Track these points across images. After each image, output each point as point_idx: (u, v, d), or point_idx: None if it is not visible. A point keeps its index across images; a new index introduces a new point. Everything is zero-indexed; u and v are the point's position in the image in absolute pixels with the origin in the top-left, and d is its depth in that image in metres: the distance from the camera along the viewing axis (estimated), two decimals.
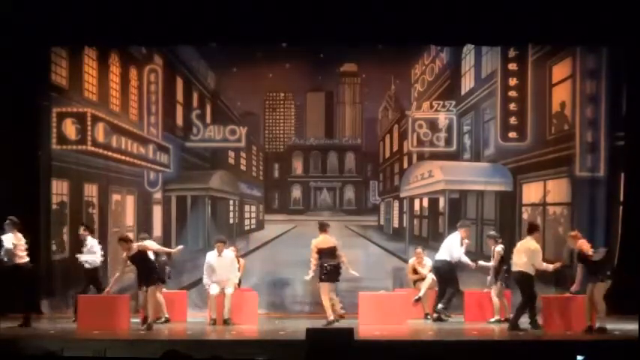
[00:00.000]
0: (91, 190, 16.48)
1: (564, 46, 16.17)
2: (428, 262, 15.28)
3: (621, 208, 15.74)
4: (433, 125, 16.95)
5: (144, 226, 16.67)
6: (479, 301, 14.77)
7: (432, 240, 17.12)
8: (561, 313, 13.35)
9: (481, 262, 14.88)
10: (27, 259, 13.60)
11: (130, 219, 16.86)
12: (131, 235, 16.55)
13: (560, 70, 16.47)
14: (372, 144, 17.71)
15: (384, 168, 18.05)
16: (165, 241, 16.83)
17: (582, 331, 12.94)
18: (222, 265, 14.27)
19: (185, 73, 17.25)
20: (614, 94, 15.95)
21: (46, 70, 15.96)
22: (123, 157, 16.61)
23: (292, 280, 16.47)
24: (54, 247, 15.98)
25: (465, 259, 14.70)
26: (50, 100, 16.03)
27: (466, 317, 14.78)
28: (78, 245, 15.87)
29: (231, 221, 17.45)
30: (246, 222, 17.59)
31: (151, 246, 13.85)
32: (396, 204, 17.74)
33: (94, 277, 14.53)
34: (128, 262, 13.50)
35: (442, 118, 16.92)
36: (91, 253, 14.55)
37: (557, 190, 16.49)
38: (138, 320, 13.94)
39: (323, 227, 14.04)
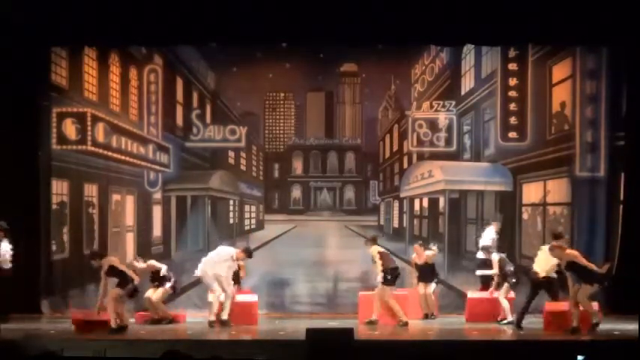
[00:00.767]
0: (91, 190, 16.48)
1: (564, 46, 16.16)
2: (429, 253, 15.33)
3: (621, 208, 15.73)
4: (433, 125, 16.94)
5: (144, 226, 16.70)
6: (480, 302, 14.75)
7: (432, 240, 17.11)
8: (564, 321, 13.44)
9: (479, 272, 15.14)
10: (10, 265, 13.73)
11: (129, 219, 16.84)
12: (131, 236, 16.69)
13: (560, 70, 16.46)
14: (372, 144, 17.71)
15: (384, 168, 18.05)
16: (165, 241, 16.87)
17: (569, 331, 12.98)
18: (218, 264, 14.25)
19: (185, 73, 17.25)
20: (614, 94, 15.94)
21: (46, 70, 15.95)
22: (123, 157, 16.60)
23: (292, 280, 16.49)
24: (54, 247, 15.97)
25: (480, 255, 15.05)
26: (50, 100, 16.02)
27: (467, 317, 14.77)
28: (78, 245, 15.95)
29: (231, 221, 17.45)
30: (246, 222, 17.59)
31: (117, 265, 13.70)
32: (396, 204, 17.74)
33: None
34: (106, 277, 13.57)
35: (442, 118, 16.92)
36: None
37: (557, 190, 16.48)
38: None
39: (374, 239, 15.05)
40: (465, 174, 17.07)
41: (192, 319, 14.75)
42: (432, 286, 15.09)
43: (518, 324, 13.73)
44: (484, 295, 14.75)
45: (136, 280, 13.59)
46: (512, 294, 14.48)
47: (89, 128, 16.11)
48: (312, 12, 14.57)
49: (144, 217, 16.81)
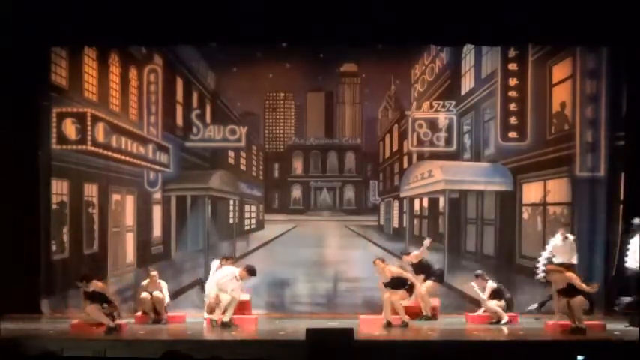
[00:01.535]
0: (91, 190, 16.47)
1: (564, 46, 16.16)
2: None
3: (621, 208, 15.73)
4: (433, 125, 16.94)
5: (144, 226, 16.70)
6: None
7: (432, 240, 17.12)
8: None
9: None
10: None
11: (129, 219, 16.84)
12: (131, 236, 16.69)
13: (560, 70, 16.45)
14: (372, 144, 17.72)
15: (384, 168, 18.06)
16: (165, 241, 16.87)
17: (569, 331, 13.03)
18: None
19: (185, 73, 17.25)
20: (614, 94, 15.93)
21: (46, 70, 15.94)
22: (123, 157, 16.60)
23: (292, 280, 16.49)
24: (54, 247, 15.96)
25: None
26: (50, 100, 16.01)
27: (467, 317, 14.79)
28: (78, 245, 15.94)
29: (231, 221, 17.45)
30: (246, 222, 17.59)
31: (103, 289, 13.79)
32: (396, 204, 17.75)
33: None
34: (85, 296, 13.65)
35: (442, 118, 16.92)
36: None
37: (557, 190, 16.47)
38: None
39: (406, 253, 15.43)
40: (465, 174, 17.06)
41: (192, 319, 14.75)
42: (428, 283, 14.97)
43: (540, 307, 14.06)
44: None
45: (117, 311, 13.67)
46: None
47: (89, 128, 16.09)
48: (312, 12, 14.57)
49: (144, 217, 16.81)
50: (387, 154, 18.06)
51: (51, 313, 15.50)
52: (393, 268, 14.52)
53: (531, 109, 16.49)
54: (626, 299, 14.27)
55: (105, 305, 13.45)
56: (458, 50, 17.20)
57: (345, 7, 14.55)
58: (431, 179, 17.08)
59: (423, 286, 14.82)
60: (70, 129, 16.11)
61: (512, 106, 16.55)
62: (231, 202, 17.46)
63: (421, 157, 17.35)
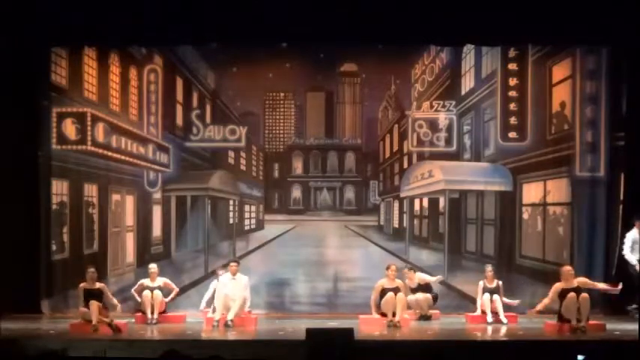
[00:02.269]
0: (91, 190, 16.47)
1: (564, 46, 16.16)
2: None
3: (621, 208, 15.73)
4: (433, 125, 16.94)
5: (144, 226, 16.70)
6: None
7: (432, 240, 17.15)
8: None
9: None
10: None
11: (129, 219, 16.85)
12: (131, 236, 16.69)
13: (560, 70, 16.45)
14: (372, 144, 17.73)
15: (384, 168, 18.06)
16: (165, 241, 16.87)
17: (569, 331, 13.07)
18: (235, 288, 14.15)
19: (185, 73, 17.26)
20: (614, 94, 15.92)
21: (46, 70, 15.94)
22: (123, 157, 16.60)
23: (292, 280, 16.49)
24: (54, 247, 15.96)
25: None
26: (50, 100, 16.00)
27: (467, 317, 14.78)
28: (78, 245, 15.93)
29: (231, 221, 17.46)
30: (246, 222, 17.60)
31: (108, 294, 13.96)
32: (396, 204, 17.76)
33: None
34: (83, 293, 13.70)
35: (442, 118, 16.91)
36: None
37: (557, 190, 16.47)
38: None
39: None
40: (465, 174, 17.06)
41: (193, 319, 14.75)
42: (428, 295, 14.93)
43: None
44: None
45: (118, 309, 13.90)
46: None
47: (89, 128, 16.08)
48: (312, 12, 14.56)
49: (144, 217, 16.82)
50: (387, 154, 18.07)
51: (51, 313, 15.50)
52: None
53: (531, 109, 16.48)
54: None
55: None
56: (458, 50, 17.20)
57: (345, 7, 14.55)
58: (431, 179, 17.08)
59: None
60: (70, 129, 16.10)
61: (512, 106, 16.55)
62: (231, 202, 17.47)
63: (421, 157, 17.35)
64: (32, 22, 14.63)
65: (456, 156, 17.03)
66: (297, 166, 17.89)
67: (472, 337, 13.34)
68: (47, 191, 15.92)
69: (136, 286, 14.64)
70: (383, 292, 14.28)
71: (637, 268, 14.55)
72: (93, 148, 16.18)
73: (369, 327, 13.80)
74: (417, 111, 17.02)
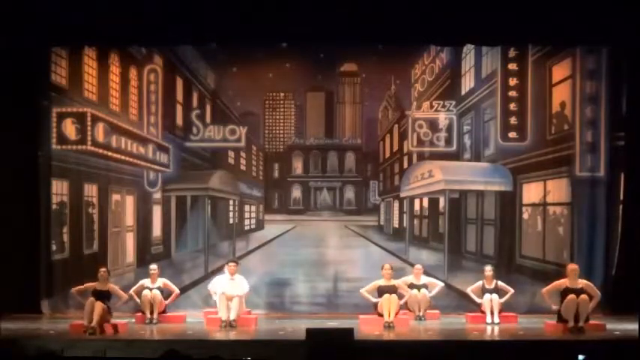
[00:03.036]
0: (91, 190, 16.48)
1: (564, 46, 16.16)
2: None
3: (621, 208, 15.73)
4: (433, 125, 16.94)
5: (143, 226, 16.70)
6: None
7: (432, 240, 17.14)
8: None
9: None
10: None
11: (129, 219, 16.85)
12: (131, 236, 16.70)
13: (560, 70, 16.45)
14: (372, 144, 17.73)
15: (384, 168, 18.06)
16: (165, 241, 16.87)
17: (568, 331, 13.05)
18: (233, 288, 14.11)
19: (185, 73, 17.26)
20: (614, 94, 15.92)
21: (46, 70, 15.94)
22: (123, 157, 16.60)
23: (292, 280, 16.49)
24: (54, 247, 15.97)
25: None
26: (50, 100, 16.01)
27: (467, 317, 14.79)
28: (78, 245, 15.94)
29: (231, 221, 17.46)
30: (246, 222, 17.60)
31: (118, 291, 14.00)
32: (396, 204, 17.76)
33: None
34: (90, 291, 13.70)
35: (442, 118, 16.92)
36: None
37: (557, 190, 16.47)
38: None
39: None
40: (465, 174, 17.06)
41: (193, 319, 14.75)
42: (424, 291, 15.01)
43: None
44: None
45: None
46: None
47: (89, 128, 16.09)
48: (313, 12, 14.56)
49: (144, 217, 16.82)
50: (387, 154, 18.07)
51: (51, 313, 15.50)
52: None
53: (531, 109, 16.48)
54: None
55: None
56: (458, 50, 17.21)
57: (345, 7, 14.55)
58: (431, 179, 17.08)
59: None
60: (70, 129, 16.11)
61: (512, 106, 16.55)
62: (231, 202, 17.47)
63: (421, 157, 17.35)
64: (32, 22, 14.63)
65: (455, 156, 17.03)
66: (297, 166, 17.89)
67: (472, 337, 13.33)
68: (47, 191, 15.93)
69: (136, 287, 14.64)
70: (380, 291, 14.28)
71: None
72: (93, 148, 16.19)
73: (368, 327, 13.79)
74: (417, 111, 17.02)
